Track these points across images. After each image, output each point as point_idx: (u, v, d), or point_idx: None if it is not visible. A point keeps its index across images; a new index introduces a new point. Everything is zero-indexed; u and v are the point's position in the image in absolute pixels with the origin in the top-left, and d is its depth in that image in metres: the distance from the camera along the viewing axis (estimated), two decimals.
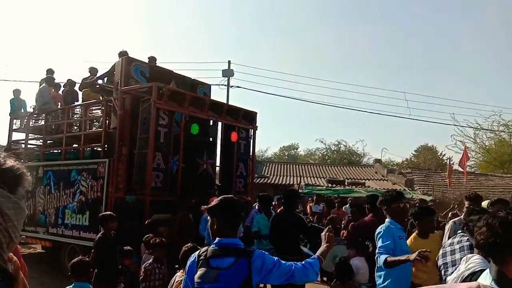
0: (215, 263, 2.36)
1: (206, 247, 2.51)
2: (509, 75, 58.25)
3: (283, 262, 2.49)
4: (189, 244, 3.97)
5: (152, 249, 5.23)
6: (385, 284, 3.70)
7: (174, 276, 4.13)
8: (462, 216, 5.14)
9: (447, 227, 5.12)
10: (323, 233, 2.80)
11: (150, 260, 5.09)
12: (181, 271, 4.00)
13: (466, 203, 4.64)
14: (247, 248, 2.50)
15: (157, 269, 5.03)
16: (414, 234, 4.45)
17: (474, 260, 2.32)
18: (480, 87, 58.90)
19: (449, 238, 4.87)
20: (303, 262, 2.54)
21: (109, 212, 5.97)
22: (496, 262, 1.73)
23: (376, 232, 3.86)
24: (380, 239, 3.73)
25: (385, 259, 3.54)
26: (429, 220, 4.41)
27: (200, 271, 2.37)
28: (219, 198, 2.62)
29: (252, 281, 2.35)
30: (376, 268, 3.86)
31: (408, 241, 4.29)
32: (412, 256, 3.27)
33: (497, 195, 16.84)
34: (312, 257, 2.63)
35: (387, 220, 3.94)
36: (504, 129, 30.03)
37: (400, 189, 17.88)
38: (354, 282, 5.13)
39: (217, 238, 2.48)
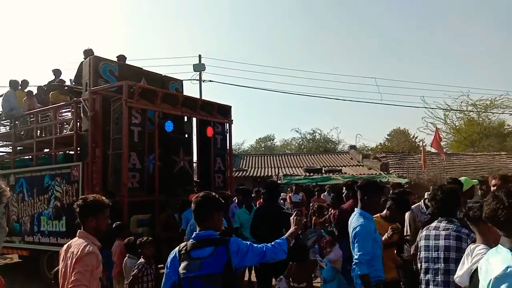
0: (196, 254, 2.59)
1: (185, 242, 2.72)
2: (475, 55, 59.91)
3: (255, 245, 2.79)
4: (144, 237, 4.07)
5: (140, 248, 5.14)
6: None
7: None
8: (421, 202, 5.27)
9: (407, 215, 5.12)
10: (291, 217, 3.14)
11: (142, 260, 5.01)
12: None
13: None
14: (223, 237, 2.72)
15: (148, 269, 4.97)
16: (378, 215, 4.38)
17: (479, 251, 2.39)
18: (448, 68, 60.39)
19: (409, 226, 5.01)
20: (272, 243, 2.84)
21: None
22: (505, 232, 1.90)
23: (354, 230, 3.72)
24: (360, 242, 3.62)
25: (366, 275, 3.53)
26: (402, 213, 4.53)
27: (183, 264, 2.59)
28: (197, 195, 2.82)
29: (232, 264, 2.60)
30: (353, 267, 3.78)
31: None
32: None
33: (469, 173, 17.36)
34: (281, 238, 2.93)
35: (358, 210, 3.85)
36: (473, 108, 30.94)
37: (376, 174, 18.23)
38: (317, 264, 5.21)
39: (194, 233, 2.73)
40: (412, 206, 5.22)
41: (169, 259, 2.70)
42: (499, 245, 1.95)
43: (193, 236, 2.71)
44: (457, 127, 32.18)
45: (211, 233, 2.69)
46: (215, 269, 2.55)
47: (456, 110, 30.77)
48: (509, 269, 1.77)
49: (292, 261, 5.11)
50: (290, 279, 4.89)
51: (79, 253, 2.80)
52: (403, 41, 65.86)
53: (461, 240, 3.01)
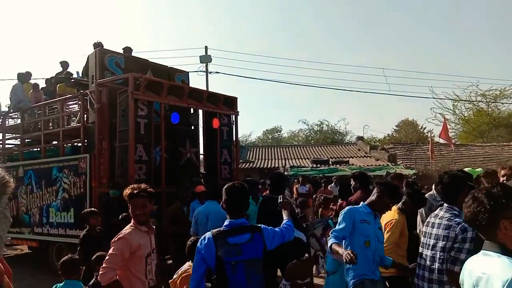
0: (234, 240, 2.74)
1: (218, 229, 2.83)
2: (485, 45, 59.12)
3: (275, 229, 3.02)
4: (193, 238, 4.18)
5: None
6: (349, 266, 3.53)
7: (183, 266, 4.10)
8: (433, 191, 5.22)
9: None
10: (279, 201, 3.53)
11: None
12: (190, 262, 4.01)
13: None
14: (255, 225, 2.97)
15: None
16: (395, 209, 4.29)
17: None
18: (457, 58, 59.70)
19: (423, 215, 4.97)
20: (283, 225, 3.15)
21: (90, 209, 5.91)
22: (488, 237, 1.78)
23: (342, 211, 3.74)
24: (340, 221, 3.62)
25: (331, 245, 3.45)
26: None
27: (222, 249, 2.71)
28: (228, 184, 2.99)
29: (267, 249, 2.83)
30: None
31: (397, 216, 4.23)
32: (344, 255, 3.11)
33: (478, 164, 17.21)
34: (286, 220, 3.22)
35: (364, 204, 3.78)
36: (482, 99, 30.58)
37: (383, 165, 18.14)
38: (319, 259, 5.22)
39: (227, 221, 2.85)
40: (428, 193, 5.20)
41: (201, 245, 2.78)
42: (483, 251, 1.81)
43: (226, 224, 2.84)
44: (466, 118, 31.86)
45: (244, 221, 2.87)
46: (256, 254, 2.75)
47: (465, 101, 30.50)
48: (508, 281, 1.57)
49: (292, 258, 5.12)
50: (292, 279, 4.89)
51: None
52: (411, 31, 65.19)
53: (449, 229, 3.05)
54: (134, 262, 3.16)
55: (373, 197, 3.76)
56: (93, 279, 4.34)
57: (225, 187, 2.94)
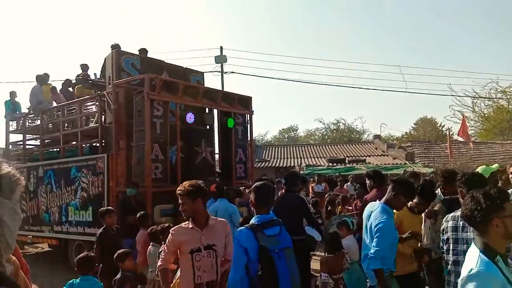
0: (269, 232, 3.07)
1: (251, 224, 3.12)
2: (505, 41, 57.89)
3: None
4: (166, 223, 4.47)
5: (162, 235, 5.23)
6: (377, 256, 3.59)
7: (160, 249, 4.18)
8: (438, 190, 5.14)
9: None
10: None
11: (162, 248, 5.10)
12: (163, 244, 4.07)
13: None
14: (278, 219, 3.26)
15: None
16: (406, 209, 4.26)
17: None
18: (476, 55, 58.64)
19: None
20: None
21: (106, 207, 6.01)
22: (480, 232, 2.02)
23: (377, 225, 3.63)
24: (379, 238, 3.55)
25: (380, 270, 3.50)
26: (426, 204, 4.34)
27: (263, 240, 3.01)
28: (255, 183, 3.39)
29: None
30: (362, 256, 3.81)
31: (398, 212, 4.22)
32: None
33: (497, 162, 16.90)
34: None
35: (382, 203, 3.76)
36: (502, 96, 30.00)
37: (401, 163, 17.95)
38: (345, 255, 5.25)
39: (256, 216, 3.18)
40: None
41: (241, 238, 3.02)
42: (472, 243, 2.08)
43: (259, 219, 3.14)
44: (486, 115, 31.28)
45: (272, 215, 3.22)
46: (288, 243, 3.13)
47: (484, 98, 29.95)
48: (472, 271, 1.92)
49: (329, 251, 5.16)
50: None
51: None
52: (428, 28, 64.25)
53: None
54: (181, 257, 3.30)
55: (389, 195, 3.75)
56: (119, 274, 4.45)
57: (254, 185, 3.31)
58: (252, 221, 3.16)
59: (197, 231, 3.26)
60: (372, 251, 3.58)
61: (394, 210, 3.88)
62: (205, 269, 3.19)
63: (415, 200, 4.23)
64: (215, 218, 3.44)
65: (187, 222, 3.33)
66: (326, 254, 5.40)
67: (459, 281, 1.97)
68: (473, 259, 1.98)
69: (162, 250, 3.55)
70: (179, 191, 3.29)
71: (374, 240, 3.61)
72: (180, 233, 3.31)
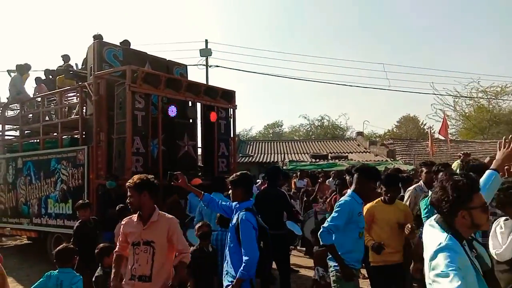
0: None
1: (251, 209, 3.65)
2: (486, 41, 58.88)
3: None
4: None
5: None
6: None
7: None
8: (420, 182, 5.32)
9: (407, 194, 5.23)
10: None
11: None
12: None
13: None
14: None
15: None
16: (378, 199, 4.46)
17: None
18: (458, 54, 59.49)
19: (409, 205, 5.04)
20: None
21: (81, 201, 5.95)
22: (445, 218, 2.02)
23: (338, 202, 3.80)
24: (335, 213, 3.65)
25: (331, 245, 3.55)
26: (395, 190, 4.49)
27: (259, 221, 3.62)
28: (239, 173, 3.85)
29: None
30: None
31: (369, 205, 4.35)
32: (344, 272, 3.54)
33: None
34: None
35: (349, 191, 3.84)
36: (483, 95, 30.55)
37: (382, 160, 18.17)
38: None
39: (246, 203, 3.69)
40: (414, 186, 5.31)
41: (253, 220, 3.52)
42: (433, 220, 2.09)
43: (251, 205, 3.71)
44: (467, 114, 31.84)
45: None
46: None
47: (466, 97, 30.46)
48: (441, 244, 1.91)
49: (285, 248, 5.22)
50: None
51: None
52: (411, 27, 64.91)
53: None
54: (129, 247, 3.39)
55: (355, 183, 3.81)
56: (99, 271, 4.45)
57: (244, 176, 3.81)
58: (248, 206, 3.64)
59: (140, 225, 3.33)
60: (325, 224, 3.63)
61: (368, 205, 3.98)
62: (140, 263, 3.28)
63: (383, 190, 4.39)
64: (162, 214, 3.44)
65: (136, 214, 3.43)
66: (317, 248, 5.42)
67: (427, 257, 1.95)
68: (441, 236, 1.96)
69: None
70: (127, 184, 3.37)
71: (331, 215, 3.69)
72: (127, 224, 3.44)
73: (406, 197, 5.22)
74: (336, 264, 3.63)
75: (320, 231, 3.61)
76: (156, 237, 3.31)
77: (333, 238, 3.55)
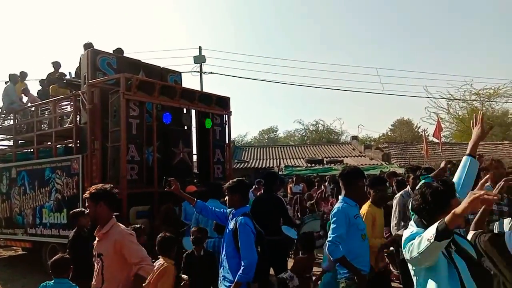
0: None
1: (248, 214, 3.75)
2: (479, 44, 59.39)
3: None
4: (163, 233, 4.40)
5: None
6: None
7: (155, 263, 4.19)
8: (408, 188, 5.35)
9: (395, 201, 5.25)
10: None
11: None
12: (163, 257, 4.12)
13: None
14: None
15: None
16: (368, 202, 4.49)
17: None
18: (451, 58, 59.94)
19: (397, 212, 5.08)
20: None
21: (80, 209, 5.90)
22: (428, 223, 2.13)
23: (332, 212, 3.76)
24: (334, 224, 3.62)
25: (342, 257, 3.51)
26: (381, 189, 4.56)
27: (256, 226, 3.71)
28: (236, 179, 3.92)
29: None
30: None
31: (365, 207, 4.37)
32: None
33: None
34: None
35: (341, 197, 3.83)
36: (476, 98, 30.69)
37: (377, 164, 18.22)
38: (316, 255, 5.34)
39: (242, 208, 3.76)
40: (402, 191, 5.34)
41: (251, 225, 3.63)
42: (412, 221, 2.28)
43: (248, 211, 3.83)
44: (460, 117, 31.96)
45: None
46: None
47: (459, 100, 30.58)
48: (413, 232, 2.15)
49: (303, 251, 5.20)
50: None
51: None
52: (404, 30, 65.37)
53: None
54: None
55: (344, 189, 3.82)
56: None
57: (241, 182, 3.89)
58: (245, 211, 3.72)
59: (96, 237, 3.30)
60: (329, 238, 3.59)
61: (364, 207, 3.98)
62: (95, 275, 3.29)
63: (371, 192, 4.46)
64: (115, 226, 3.28)
65: None
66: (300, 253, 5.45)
67: (405, 247, 2.14)
68: (415, 229, 2.19)
69: None
70: (85, 195, 3.31)
71: (331, 227, 3.65)
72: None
73: (394, 203, 5.25)
74: (345, 271, 3.60)
75: (327, 247, 3.59)
76: (104, 250, 3.22)
77: (341, 248, 3.53)
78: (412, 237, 2.09)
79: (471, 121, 2.77)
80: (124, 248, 3.16)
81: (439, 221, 1.92)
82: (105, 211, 3.21)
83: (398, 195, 5.34)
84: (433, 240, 1.89)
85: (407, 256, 2.09)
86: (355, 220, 3.69)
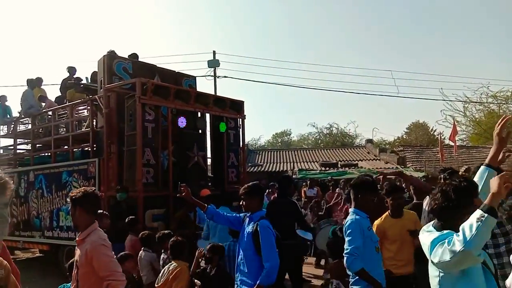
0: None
1: (266, 217, 3.76)
2: (495, 46, 58.52)
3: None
4: (175, 238, 4.56)
5: (161, 242, 5.20)
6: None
7: (167, 265, 4.22)
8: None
9: (425, 202, 5.09)
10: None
11: (164, 256, 5.07)
12: (175, 261, 4.16)
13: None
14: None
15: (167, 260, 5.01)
16: (386, 214, 4.35)
17: None
18: (467, 60, 59.12)
19: (426, 212, 4.93)
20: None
21: (101, 210, 5.96)
22: (445, 223, 1.96)
23: (345, 224, 3.65)
24: (349, 236, 3.50)
25: (362, 269, 3.41)
26: (397, 197, 4.34)
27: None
28: (251, 183, 3.92)
29: None
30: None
31: (377, 222, 4.27)
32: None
33: None
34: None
35: (352, 208, 3.71)
36: (493, 100, 30.19)
37: (392, 167, 18.03)
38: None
39: (259, 212, 3.77)
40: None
41: (271, 229, 3.65)
42: (430, 226, 2.07)
43: (264, 214, 3.80)
44: (477, 120, 31.47)
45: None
46: None
47: (475, 102, 30.10)
48: (438, 235, 1.92)
49: (333, 257, 5.13)
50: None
51: None
52: (419, 33, 64.79)
53: None
54: None
55: (354, 200, 3.69)
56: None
57: (257, 187, 3.89)
58: (262, 215, 3.72)
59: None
60: (347, 250, 3.48)
61: (377, 222, 3.93)
62: (72, 281, 3.21)
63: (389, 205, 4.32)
64: (93, 233, 3.10)
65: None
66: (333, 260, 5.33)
67: (428, 255, 1.96)
68: (436, 233, 1.97)
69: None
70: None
71: (346, 239, 3.54)
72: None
73: (424, 204, 5.10)
74: (365, 284, 3.49)
75: (345, 259, 3.49)
76: (79, 257, 3.09)
77: (360, 260, 3.44)
78: (441, 238, 1.86)
79: (496, 126, 2.61)
80: (93, 258, 2.98)
81: (481, 205, 1.72)
82: (83, 215, 3.08)
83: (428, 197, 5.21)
84: (485, 216, 1.66)
85: (436, 259, 1.86)
86: (369, 232, 3.60)
